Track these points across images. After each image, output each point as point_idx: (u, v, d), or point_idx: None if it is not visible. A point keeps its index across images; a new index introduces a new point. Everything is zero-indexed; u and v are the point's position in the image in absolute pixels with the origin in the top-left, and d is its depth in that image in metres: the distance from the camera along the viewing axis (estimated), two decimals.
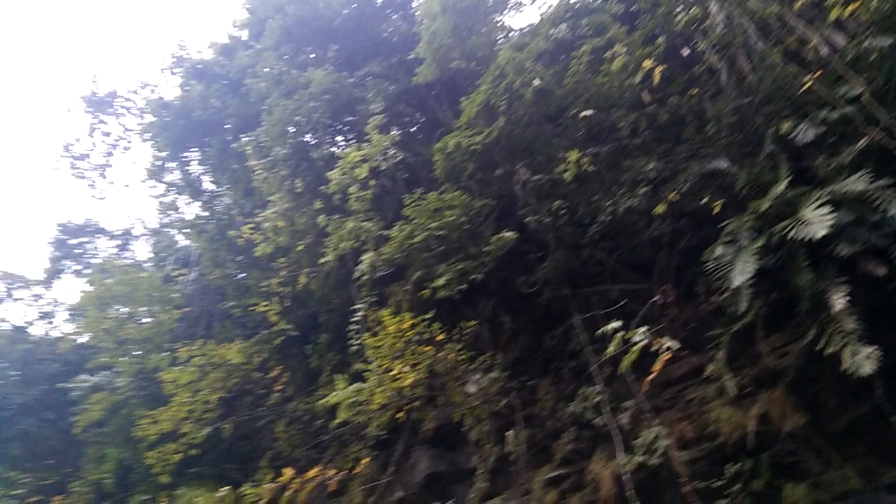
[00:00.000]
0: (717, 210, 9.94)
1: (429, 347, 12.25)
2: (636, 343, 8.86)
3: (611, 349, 9.32)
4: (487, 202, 13.43)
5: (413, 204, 13.37)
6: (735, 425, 8.96)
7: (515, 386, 12.65)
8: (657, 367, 8.78)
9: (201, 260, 22.06)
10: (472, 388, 12.36)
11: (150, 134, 21.91)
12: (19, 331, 28.59)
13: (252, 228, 16.94)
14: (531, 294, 12.92)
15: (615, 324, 9.35)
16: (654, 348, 8.80)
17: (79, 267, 31.28)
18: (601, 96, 12.55)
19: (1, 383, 25.80)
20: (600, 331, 9.82)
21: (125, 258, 31.33)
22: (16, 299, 30.15)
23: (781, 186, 8.79)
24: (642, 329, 9.00)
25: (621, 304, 11.05)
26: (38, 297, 30.38)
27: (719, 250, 9.20)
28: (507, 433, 11.96)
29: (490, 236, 12.97)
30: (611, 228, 11.92)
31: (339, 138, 19.30)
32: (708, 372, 9.61)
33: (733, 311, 8.93)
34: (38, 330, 29.40)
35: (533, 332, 13.33)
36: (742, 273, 8.45)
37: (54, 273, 30.99)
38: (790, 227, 8.16)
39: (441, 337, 12.42)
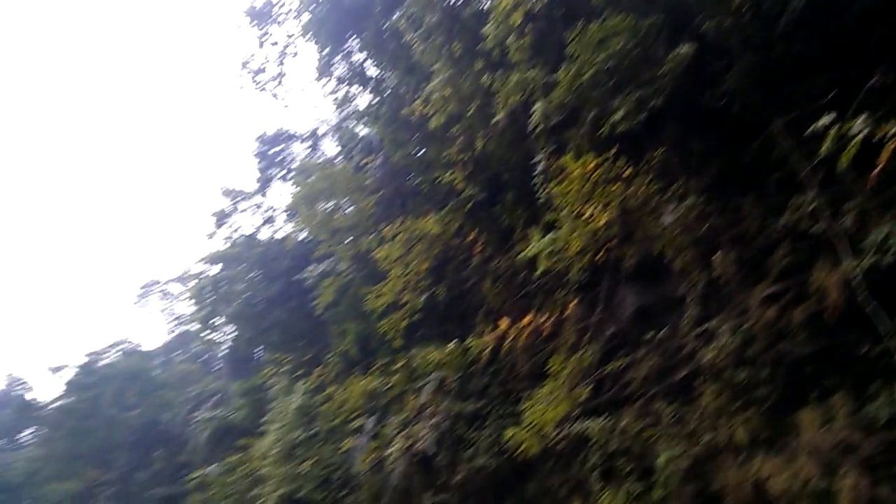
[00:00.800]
0: None
1: (617, 185, 12.00)
2: (855, 135, 7.90)
3: (824, 148, 8.41)
4: (655, 19, 12.20)
5: (575, 40, 12.59)
6: None
7: (715, 209, 12.01)
8: (884, 156, 7.78)
9: (383, 144, 23.18)
10: (668, 219, 11.98)
11: (311, 33, 22.74)
12: (250, 238, 33.05)
13: (422, 103, 17.30)
14: (720, 109, 11.88)
15: (826, 119, 8.36)
16: (877, 137, 7.79)
17: (283, 172, 34.75)
18: None
19: (247, 284, 30.45)
20: (808, 131, 8.85)
21: (318, 157, 34.05)
22: (241, 211, 34.59)
23: None
24: (861, 118, 7.96)
25: (830, 96, 9.75)
26: (258, 206, 34.54)
27: None
28: (714, 257, 11.59)
29: (664, 56, 11.93)
30: (806, 14, 10.33)
31: None
32: None
33: None
34: (264, 234, 33.77)
35: (727, 149, 12.37)
36: None
37: (265, 182, 34.82)
38: None
39: (628, 173, 12.06)
